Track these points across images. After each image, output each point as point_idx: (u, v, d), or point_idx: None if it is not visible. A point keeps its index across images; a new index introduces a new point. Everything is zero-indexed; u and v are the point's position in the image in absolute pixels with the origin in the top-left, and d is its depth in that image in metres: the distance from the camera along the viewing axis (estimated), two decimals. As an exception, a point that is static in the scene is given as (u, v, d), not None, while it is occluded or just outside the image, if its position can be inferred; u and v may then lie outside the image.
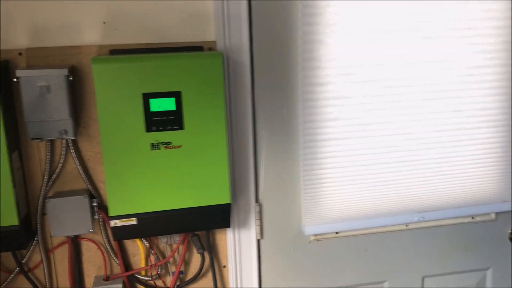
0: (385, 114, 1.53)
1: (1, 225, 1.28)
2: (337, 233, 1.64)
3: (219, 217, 1.41)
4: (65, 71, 1.24)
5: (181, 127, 1.32)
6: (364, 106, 1.51)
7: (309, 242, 1.63)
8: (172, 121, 1.30)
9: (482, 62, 1.53)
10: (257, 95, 1.48)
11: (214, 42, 1.41)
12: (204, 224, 1.43)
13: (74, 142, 1.39)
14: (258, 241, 1.60)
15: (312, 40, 1.42)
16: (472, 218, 1.74)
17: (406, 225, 1.68)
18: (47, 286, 1.47)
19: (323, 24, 1.41)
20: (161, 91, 1.28)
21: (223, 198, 1.39)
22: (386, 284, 1.74)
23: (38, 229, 1.42)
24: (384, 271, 1.72)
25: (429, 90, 1.53)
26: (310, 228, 1.60)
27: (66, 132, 1.29)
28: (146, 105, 1.28)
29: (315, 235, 1.62)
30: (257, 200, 1.56)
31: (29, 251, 1.44)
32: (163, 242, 1.50)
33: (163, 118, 1.30)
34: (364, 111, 1.51)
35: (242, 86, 1.45)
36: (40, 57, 1.33)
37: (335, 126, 1.51)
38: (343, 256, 1.67)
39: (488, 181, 1.66)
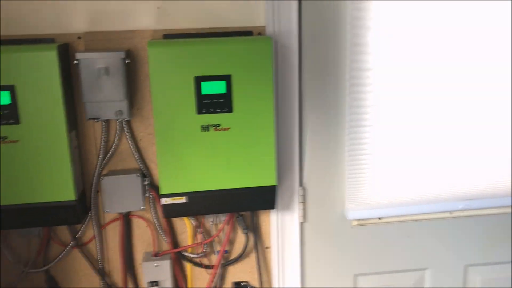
0: (432, 101, 1.52)
1: (60, 200, 1.35)
2: (380, 218, 1.65)
3: (264, 198, 1.45)
4: (122, 54, 1.30)
5: (230, 110, 1.35)
6: (411, 93, 1.50)
7: (352, 227, 1.65)
8: (222, 103, 1.34)
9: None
10: (304, 80, 1.50)
11: (264, 27, 1.43)
12: (249, 205, 1.47)
13: (128, 123, 1.44)
14: (301, 224, 1.62)
15: (361, 25, 1.43)
16: (519, 208, 1.71)
17: (451, 213, 1.67)
18: (99, 260, 1.54)
19: (372, 9, 1.41)
20: (212, 74, 1.32)
21: (269, 180, 1.42)
22: (428, 272, 1.74)
23: (92, 206, 1.49)
24: (426, 259, 1.72)
25: (479, 78, 1.51)
26: (353, 212, 1.61)
27: (121, 113, 1.34)
28: (198, 88, 1.32)
29: (358, 220, 1.64)
30: (301, 184, 1.59)
31: (83, 226, 1.51)
32: (209, 221, 1.55)
33: (213, 101, 1.34)
34: (410, 98, 1.51)
35: (289, 71, 1.47)
36: (97, 41, 1.38)
37: (381, 111, 1.51)
38: (385, 241, 1.68)
39: (537, 171, 1.64)
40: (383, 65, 1.47)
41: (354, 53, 1.45)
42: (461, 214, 1.68)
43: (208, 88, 1.32)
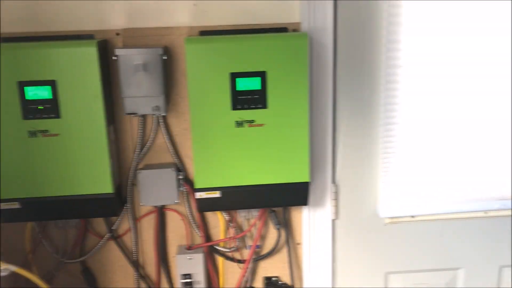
0: (466, 100, 1.50)
1: (98, 193, 1.39)
2: (413, 216, 1.64)
3: (297, 195, 1.45)
4: (160, 51, 1.32)
5: (264, 106, 1.36)
6: (446, 90, 1.49)
7: (384, 225, 1.64)
8: (256, 100, 1.35)
9: None
10: (338, 76, 1.49)
11: (299, 23, 1.44)
12: (282, 201, 1.48)
13: (164, 118, 1.47)
14: (333, 221, 1.62)
15: (398, 22, 1.42)
16: (557, 209, 1.67)
17: (485, 212, 1.65)
18: (134, 252, 1.58)
19: (409, 6, 1.40)
20: (247, 70, 1.33)
21: (302, 176, 1.42)
22: (461, 272, 1.72)
23: (128, 199, 1.52)
24: (459, 258, 1.70)
25: (517, 75, 1.49)
26: (385, 210, 1.61)
27: (158, 108, 1.37)
28: (233, 84, 1.33)
29: (391, 217, 1.63)
30: (333, 181, 1.59)
31: (119, 219, 1.55)
32: (242, 216, 1.56)
33: (248, 97, 1.35)
34: (446, 95, 1.49)
35: (324, 67, 1.47)
36: (135, 37, 1.41)
37: (414, 109, 1.50)
38: (418, 240, 1.66)
39: None
40: (418, 62, 1.45)
41: (390, 50, 1.44)
42: (497, 214, 1.65)
43: (243, 84, 1.34)
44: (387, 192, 1.58)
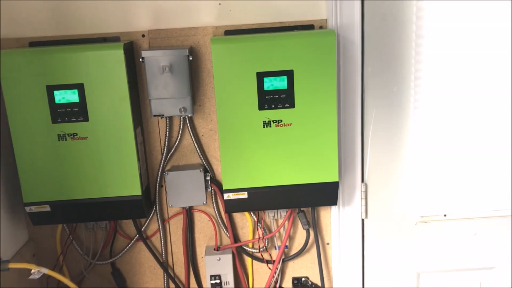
0: (499, 94, 1.45)
1: (126, 195, 1.39)
2: (445, 215, 1.60)
3: (326, 194, 1.43)
4: (186, 51, 1.31)
5: (292, 106, 1.34)
6: (476, 87, 1.44)
7: (416, 224, 1.61)
8: (284, 99, 1.33)
9: None
10: (366, 73, 1.46)
11: (325, 20, 1.41)
12: (311, 201, 1.46)
13: (191, 119, 1.46)
14: (363, 220, 1.60)
15: (426, 16, 1.38)
16: None
17: (521, 210, 1.60)
18: (163, 253, 1.58)
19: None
20: (274, 70, 1.31)
21: (331, 176, 1.40)
22: (495, 271, 1.68)
23: (156, 200, 1.52)
24: (493, 257, 1.65)
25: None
26: (417, 209, 1.57)
27: (185, 109, 1.36)
28: (260, 84, 1.32)
29: (422, 216, 1.60)
30: (363, 179, 1.56)
31: (148, 220, 1.55)
32: (270, 216, 1.55)
33: (275, 96, 1.33)
34: (475, 92, 1.45)
35: (351, 64, 1.44)
36: (160, 38, 1.41)
37: (446, 105, 1.46)
38: (451, 239, 1.62)
39: None
40: (448, 58, 1.41)
41: (419, 45, 1.40)
42: (533, 211, 1.60)
43: (270, 83, 1.32)
44: (418, 191, 1.55)
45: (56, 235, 1.53)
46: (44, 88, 1.29)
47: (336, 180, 1.40)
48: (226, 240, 1.59)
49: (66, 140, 1.33)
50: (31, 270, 1.26)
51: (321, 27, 1.42)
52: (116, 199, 1.38)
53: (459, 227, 1.61)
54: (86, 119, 1.32)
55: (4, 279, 1.33)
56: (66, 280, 1.35)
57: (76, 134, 1.33)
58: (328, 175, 1.40)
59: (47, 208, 1.38)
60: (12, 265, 1.25)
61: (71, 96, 1.30)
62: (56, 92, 1.30)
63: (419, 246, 1.63)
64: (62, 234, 1.54)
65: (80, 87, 1.30)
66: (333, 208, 1.57)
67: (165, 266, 1.59)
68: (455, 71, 1.43)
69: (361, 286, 1.65)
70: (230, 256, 1.55)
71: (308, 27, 1.41)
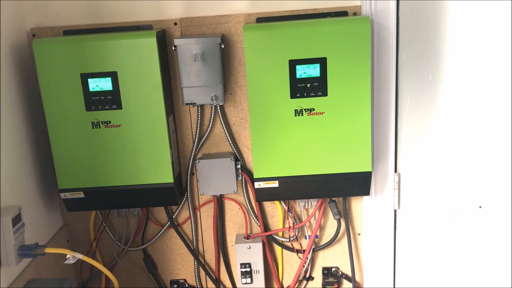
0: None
1: (159, 182, 1.40)
2: (480, 207, 1.56)
3: (358, 184, 1.41)
4: (218, 39, 1.30)
5: (324, 94, 1.32)
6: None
7: (449, 215, 1.57)
8: (316, 87, 1.32)
9: None
10: (400, 61, 1.43)
11: (359, 6, 1.38)
12: (343, 191, 1.44)
13: (222, 107, 1.46)
14: (395, 211, 1.57)
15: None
16: None
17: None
18: (193, 240, 1.59)
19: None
20: (307, 57, 1.29)
21: (364, 166, 1.38)
22: (532, 264, 1.63)
23: (187, 188, 1.53)
24: (531, 250, 1.61)
25: None
26: (450, 200, 1.54)
27: (216, 98, 1.36)
28: (292, 72, 1.30)
29: (456, 208, 1.56)
30: (395, 170, 1.53)
31: (179, 208, 1.56)
32: (300, 206, 1.54)
33: (308, 84, 1.31)
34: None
35: (386, 51, 1.41)
36: (192, 26, 1.40)
37: (482, 93, 1.42)
38: (485, 231, 1.58)
39: None
40: (484, 45, 1.37)
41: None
42: None
43: (303, 71, 1.30)
44: (452, 182, 1.51)
45: (90, 221, 1.56)
46: (79, 76, 1.31)
47: (369, 170, 1.38)
48: (256, 228, 1.59)
49: (100, 128, 1.34)
50: (66, 255, 1.29)
51: (354, 14, 1.39)
52: (149, 186, 1.40)
53: (495, 218, 1.57)
54: (119, 107, 1.33)
55: (40, 263, 1.37)
56: (99, 266, 1.37)
57: (110, 122, 1.34)
58: (360, 165, 1.38)
59: (81, 195, 1.40)
60: (48, 250, 1.27)
61: (105, 84, 1.31)
62: (90, 80, 1.31)
63: (453, 237, 1.60)
64: (96, 220, 1.57)
65: (113, 75, 1.31)
66: (365, 198, 1.55)
67: (196, 253, 1.60)
68: (489, 58, 1.39)
69: (392, 277, 1.63)
70: (260, 245, 1.55)
71: (342, 13, 1.38)
